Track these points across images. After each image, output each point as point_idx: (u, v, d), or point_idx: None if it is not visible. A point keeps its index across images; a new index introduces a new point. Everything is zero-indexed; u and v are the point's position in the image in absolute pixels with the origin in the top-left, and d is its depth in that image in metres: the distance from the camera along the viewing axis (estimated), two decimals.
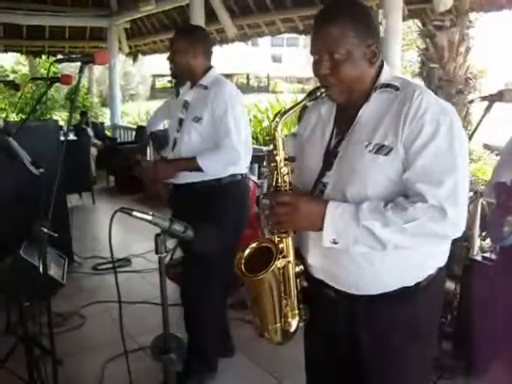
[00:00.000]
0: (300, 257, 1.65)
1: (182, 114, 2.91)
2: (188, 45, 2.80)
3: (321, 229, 1.45)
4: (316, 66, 1.52)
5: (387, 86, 1.53)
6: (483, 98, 2.42)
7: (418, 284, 1.56)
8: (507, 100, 2.38)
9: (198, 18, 6.75)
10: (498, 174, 2.73)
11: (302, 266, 1.64)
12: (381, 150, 1.46)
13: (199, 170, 2.71)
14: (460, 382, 2.97)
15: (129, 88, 27.77)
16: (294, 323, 1.65)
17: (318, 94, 1.53)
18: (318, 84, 1.56)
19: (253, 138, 10.43)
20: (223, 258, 2.76)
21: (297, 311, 1.65)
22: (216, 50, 9.19)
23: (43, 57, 11.03)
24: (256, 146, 8.32)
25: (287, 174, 1.52)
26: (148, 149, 3.10)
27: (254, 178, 4.62)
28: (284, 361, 3.18)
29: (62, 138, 7.78)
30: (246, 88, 36.62)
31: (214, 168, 2.75)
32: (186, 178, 2.83)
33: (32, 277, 3.45)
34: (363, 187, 1.47)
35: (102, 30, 10.07)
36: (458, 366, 3.03)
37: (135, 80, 29.10)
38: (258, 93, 27.73)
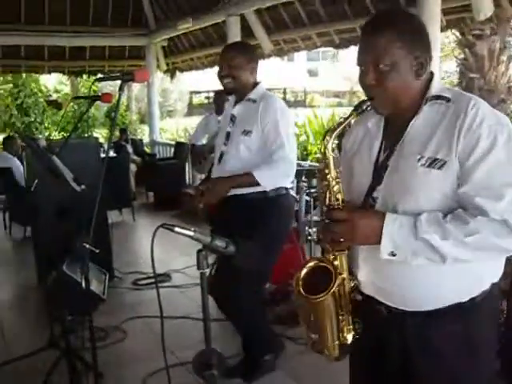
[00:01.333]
0: (351, 272, 1.63)
1: (229, 127, 2.96)
2: (248, 61, 2.90)
3: (378, 242, 1.42)
4: (362, 77, 1.51)
5: (438, 97, 1.50)
6: None
7: (472, 299, 1.50)
8: None
9: (234, 35, 6.83)
10: None
11: (355, 281, 1.62)
12: (434, 163, 1.42)
13: (256, 184, 2.74)
14: None
15: (166, 105, 28.18)
16: (349, 337, 1.63)
17: (365, 107, 1.50)
18: (362, 97, 1.55)
19: None
20: (263, 271, 2.78)
21: (351, 326, 1.63)
22: None
23: (84, 76, 11.31)
24: None
25: (339, 192, 1.51)
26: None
27: (293, 192, 4.60)
28: (324, 379, 3.13)
29: (103, 155, 7.97)
30: None
31: (271, 181, 2.79)
32: (234, 190, 2.83)
33: (74, 292, 3.50)
34: (416, 202, 1.44)
35: (141, 48, 10.27)
36: None
37: (173, 97, 29.52)
38: (295, 107, 27.73)
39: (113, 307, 4.33)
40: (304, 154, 10.21)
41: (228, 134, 2.95)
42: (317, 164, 6.45)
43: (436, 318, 1.50)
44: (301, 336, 3.48)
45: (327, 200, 1.51)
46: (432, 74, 1.54)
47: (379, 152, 1.59)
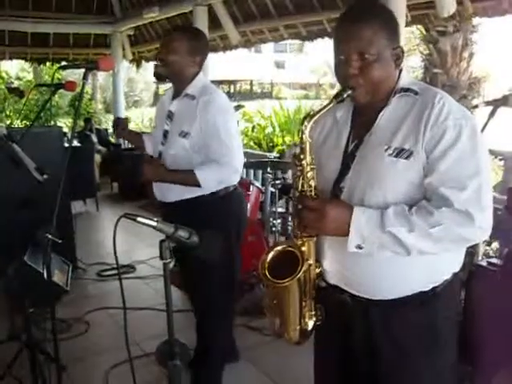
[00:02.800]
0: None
1: (166, 125, 2.73)
2: (190, 50, 2.61)
3: (346, 234, 1.44)
4: (343, 67, 1.51)
5: (406, 90, 1.54)
6: (488, 103, 2.42)
7: (434, 289, 1.55)
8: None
9: (202, 25, 6.77)
10: (506, 180, 2.75)
11: (321, 268, 1.65)
12: (401, 153, 1.46)
13: (195, 184, 2.55)
14: None
15: (132, 94, 27.85)
16: (310, 323, 1.66)
17: (345, 95, 1.51)
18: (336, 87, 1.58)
19: (256, 144, 10.45)
20: (226, 268, 2.72)
21: (314, 312, 1.66)
22: (219, 56, 9.21)
23: (47, 64, 11.06)
24: (259, 153, 8.36)
25: (312, 178, 1.52)
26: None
27: (258, 184, 4.63)
28: (289, 368, 3.17)
29: (67, 145, 7.83)
30: (249, 94, 36.70)
31: (211, 184, 2.60)
32: (178, 195, 2.66)
33: (36, 283, 3.45)
34: (382, 192, 1.48)
35: (106, 36, 10.12)
36: (462, 373, 3.01)
37: (139, 87, 29.19)
38: (262, 99, 27.74)
39: (76, 298, 4.29)
40: (270, 146, 10.24)
41: (166, 133, 2.72)
42: (278, 156, 6.51)
43: (399, 307, 1.55)
44: (265, 327, 3.53)
45: (300, 186, 1.52)
46: (402, 67, 1.58)
47: (347, 142, 1.61)
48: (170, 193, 2.70)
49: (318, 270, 1.63)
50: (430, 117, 1.44)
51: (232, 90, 37.89)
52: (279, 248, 1.62)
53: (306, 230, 1.53)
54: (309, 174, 1.52)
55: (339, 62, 1.53)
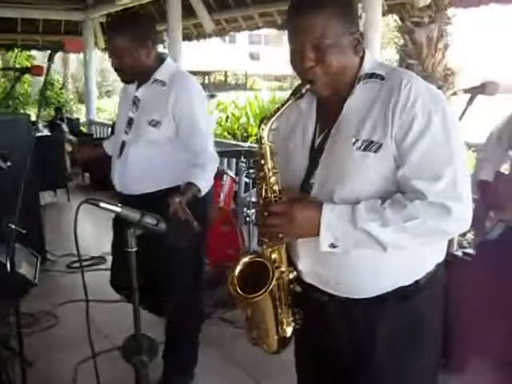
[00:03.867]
0: (291, 262, 1.57)
1: (131, 112, 2.52)
2: (136, 45, 2.37)
3: (318, 234, 1.36)
4: (298, 59, 1.41)
5: (371, 75, 1.44)
6: (466, 91, 2.39)
7: (416, 282, 1.48)
8: (489, 92, 2.36)
9: (175, 13, 6.67)
10: (479, 172, 2.73)
11: (295, 272, 1.56)
12: (370, 146, 1.37)
13: (198, 192, 2.38)
14: (439, 379, 2.94)
15: (105, 84, 27.43)
16: (289, 330, 1.58)
17: (304, 91, 1.42)
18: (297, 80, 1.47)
19: (230, 134, 10.37)
20: (194, 256, 2.66)
21: (291, 318, 1.58)
22: (194, 46, 9.05)
23: (16, 50, 10.77)
24: (234, 142, 8.27)
25: (276, 183, 1.44)
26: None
27: (232, 173, 4.55)
28: (263, 361, 3.11)
29: (37, 134, 7.64)
30: (223, 85, 36.53)
31: (208, 184, 2.46)
32: (143, 187, 2.49)
33: (0, 276, 3.33)
34: (353, 188, 1.39)
35: (78, 23, 9.87)
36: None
37: (112, 76, 28.74)
38: (236, 90, 27.62)
39: (45, 291, 4.16)
40: (244, 136, 10.16)
41: (130, 120, 2.51)
42: (256, 145, 6.42)
43: (380, 304, 1.47)
44: (239, 319, 3.47)
45: (263, 192, 1.44)
46: (364, 51, 1.48)
47: (314, 135, 1.52)
48: (134, 185, 2.53)
49: (291, 276, 1.55)
50: (397, 104, 1.33)
51: (206, 81, 37.62)
52: (246, 260, 1.53)
53: (274, 237, 1.44)
54: (272, 179, 1.43)
55: (294, 54, 1.43)
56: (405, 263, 1.44)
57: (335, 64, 1.39)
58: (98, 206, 1.29)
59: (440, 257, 1.54)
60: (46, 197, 6.75)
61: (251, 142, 8.60)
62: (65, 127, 9.16)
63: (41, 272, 4.29)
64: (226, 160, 6.31)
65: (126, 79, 2.51)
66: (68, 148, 7.07)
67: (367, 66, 1.46)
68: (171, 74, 2.47)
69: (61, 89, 15.46)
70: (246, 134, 10.27)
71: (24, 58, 14.40)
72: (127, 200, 2.47)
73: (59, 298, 4.07)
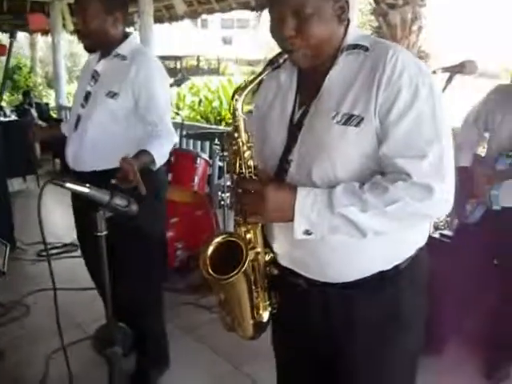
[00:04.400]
0: (267, 243, 1.50)
1: (89, 86, 2.47)
2: (105, 11, 2.34)
3: (292, 219, 1.28)
4: (278, 28, 1.33)
5: (355, 46, 1.36)
6: (445, 69, 2.35)
7: (396, 267, 1.41)
8: (468, 72, 2.33)
9: None
10: (457, 158, 2.71)
11: (272, 254, 1.49)
12: (350, 120, 1.29)
13: (151, 162, 2.31)
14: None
15: (76, 69, 26.87)
16: (265, 315, 1.52)
17: (281, 60, 1.34)
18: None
19: (203, 118, 10.25)
20: (159, 239, 2.62)
21: (268, 302, 1.51)
22: (165, 30, 8.86)
23: None
24: (206, 125, 8.16)
25: (251, 158, 1.36)
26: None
27: (205, 156, 4.46)
28: (239, 346, 3.06)
29: (3, 119, 7.43)
30: (196, 70, 36.16)
31: (163, 157, 2.40)
32: (94, 164, 2.39)
33: None
34: (332, 165, 1.31)
35: (45, 4, 9.52)
36: None
37: (82, 61, 28.18)
38: (209, 75, 27.33)
39: (15, 280, 4.07)
40: (217, 120, 10.04)
41: (88, 94, 2.46)
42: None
43: (358, 289, 1.41)
44: (214, 304, 3.42)
45: (238, 168, 1.36)
46: (348, 21, 1.40)
47: (294, 109, 1.44)
48: (88, 160, 2.44)
49: (267, 258, 1.48)
50: (383, 76, 1.25)
51: (178, 66, 37.17)
52: (219, 239, 1.44)
53: (246, 216, 1.35)
54: (246, 154, 1.35)
55: (274, 22, 1.35)
56: (384, 247, 1.37)
57: (316, 34, 1.31)
58: (63, 186, 1.19)
59: (421, 240, 1.48)
60: (14, 184, 6.58)
61: (224, 126, 8.51)
62: (33, 112, 8.92)
63: (10, 261, 4.20)
64: (199, 143, 6.21)
65: (87, 45, 2.45)
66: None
67: (351, 37, 1.38)
68: (132, 50, 2.45)
69: (29, 73, 15.06)
70: (219, 118, 10.14)
71: None
72: (80, 178, 2.42)
73: (29, 286, 3.96)
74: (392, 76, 1.26)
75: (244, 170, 1.35)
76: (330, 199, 1.25)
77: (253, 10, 6.77)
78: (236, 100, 1.32)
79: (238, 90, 1.32)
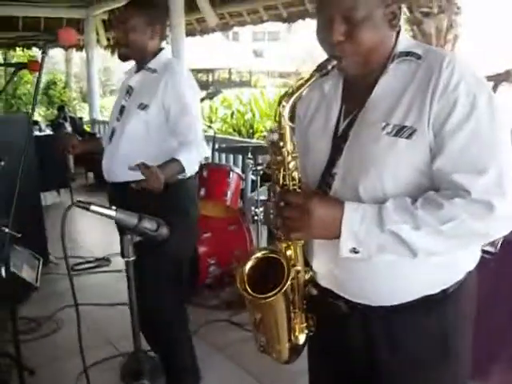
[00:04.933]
0: (307, 261, 1.41)
1: (124, 100, 2.54)
2: (146, 23, 2.40)
3: (338, 236, 1.19)
4: (326, 33, 1.25)
5: (407, 54, 1.27)
6: (490, 78, 2.23)
7: (444, 291, 1.30)
8: None
9: (178, 7, 6.50)
10: None
11: (311, 273, 1.40)
12: (401, 132, 1.20)
13: (181, 171, 2.32)
14: None
15: (109, 84, 27.33)
16: (302, 337, 1.42)
17: (330, 67, 1.25)
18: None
19: (235, 131, 10.22)
20: (179, 263, 2.54)
21: (305, 324, 1.42)
22: (197, 43, 8.89)
23: (17, 49, 10.65)
24: (239, 138, 8.12)
25: (296, 169, 1.26)
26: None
27: (238, 170, 4.39)
28: (273, 367, 2.97)
29: (38, 133, 7.53)
30: (227, 83, 36.37)
31: (192, 166, 2.41)
32: (127, 176, 2.30)
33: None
34: (380, 179, 1.22)
35: (79, 21, 9.69)
36: None
37: (116, 75, 28.65)
38: (240, 87, 27.43)
39: (47, 295, 4.05)
40: (250, 132, 10.00)
41: (122, 108, 2.52)
42: (263, 142, 6.25)
43: (403, 313, 1.30)
44: (247, 322, 3.33)
45: (281, 179, 1.26)
46: (400, 27, 1.31)
47: (338, 120, 1.36)
48: (120, 171, 2.42)
49: (307, 276, 1.39)
50: (437, 86, 1.16)
51: (210, 79, 37.47)
52: (259, 255, 1.36)
53: (289, 231, 1.25)
54: (291, 165, 1.25)
55: (322, 27, 1.28)
56: (433, 269, 1.27)
57: (367, 39, 1.23)
58: (88, 209, 1.12)
59: (472, 263, 1.36)
60: (48, 197, 6.63)
61: (257, 139, 8.45)
62: (68, 126, 9.03)
63: (42, 275, 4.19)
64: (231, 157, 6.16)
65: (123, 53, 2.50)
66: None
67: (403, 44, 1.29)
68: (163, 63, 2.48)
69: (64, 88, 15.32)
70: (251, 131, 10.10)
71: (26, 57, 14.24)
72: (114, 189, 2.56)
73: (61, 301, 3.93)
74: (448, 85, 1.17)
75: (288, 182, 1.26)
76: (379, 215, 1.17)
77: (284, 21, 6.71)
78: (283, 106, 1.23)
79: (285, 96, 1.23)
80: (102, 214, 1.15)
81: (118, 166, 2.45)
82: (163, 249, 2.27)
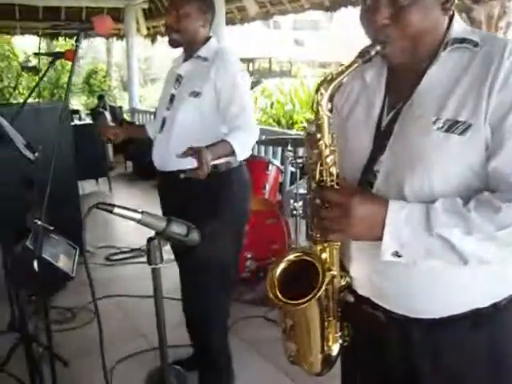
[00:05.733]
0: (344, 266, 1.29)
1: (174, 89, 2.52)
2: (200, 10, 2.41)
3: (380, 238, 1.07)
4: (370, 15, 1.13)
5: (462, 41, 1.13)
6: None
7: (494, 305, 1.17)
8: None
9: None
10: None
11: (347, 279, 1.28)
12: (454, 127, 1.07)
13: (231, 154, 2.26)
14: None
15: (150, 72, 27.54)
16: (335, 348, 1.30)
17: (373, 53, 1.12)
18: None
19: (275, 121, 10.10)
20: (227, 259, 2.46)
21: (339, 334, 1.30)
22: (237, 32, 8.81)
23: (60, 39, 10.76)
24: (278, 129, 8.00)
25: (334, 164, 1.14)
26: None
27: (277, 163, 4.28)
28: None
29: (78, 122, 7.59)
30: (268, 72, 36.20)
31: (245, 150, 2.33)
32: (180, 164, 2.24)
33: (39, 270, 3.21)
34: (428, 178, 1.09)
35: (120, 10, 9.74)
36: None
37: (156, 64, 28.83)
38: (281, 77, 27.22)
39: (83, 285, 4.02)
40: (289, 123, 9.85)
41: (172, 97, 2.51)
42: (303, 133, 6.10)
43: (448, 328, 1.18)
44: (279, 323, 3.23)
45: (318, 174, 1.14)
46: (453, 12, 1.17)
47: (381, 113, 1.23)
48: (171, 162, 2.38)
49: (343, 282, 1.26)
50: (497, 76, 1.04)
51: (250, 68, 37.35)
52: (291, 257, 1.24)
53: (326, 232, 1.14)
54: (329, 159, 1.12)
55: (366, 9, 1.15)
56: (483, 280, 1.14)
57: (415, 23, 1.10)
58: (111, 212, 1.03)
59: None
60: (86, 186, 6.67)
61: (297, 130, 8.30)
62: (107, 115, 9.09)
63: (78, 264, 4.18)
64: (270, 149, 6.05)
65: (174, 39, 2.46)
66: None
67: (457, 30, 1.15)
68: (213, 51, 2.45)
69: (104, 77, 15.49)
70: (291, 122, 9.95)
71: (69, 47, 14.39)
72: (165, 179, 2.53)
73: (96, 291, 3.91)
74: (510, 76, 1.04)
75: (325, 178, 1.13)
76: (427, 216, 1.04)
77: (326, 10, 6.53)
78: (321, 94, 1.10)
79: (324, 82, 1.11)
80: (126, 217, 1.06)
81: (170, 155, 2.36)
82: (215, 241, 2.23)
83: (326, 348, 1.30)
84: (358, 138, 1.26)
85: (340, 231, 1.10)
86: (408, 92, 1.17)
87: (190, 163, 2.08)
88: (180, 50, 2.58)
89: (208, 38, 2.50)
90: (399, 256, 1.07)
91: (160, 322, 1.11)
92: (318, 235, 1.18)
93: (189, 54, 2.52)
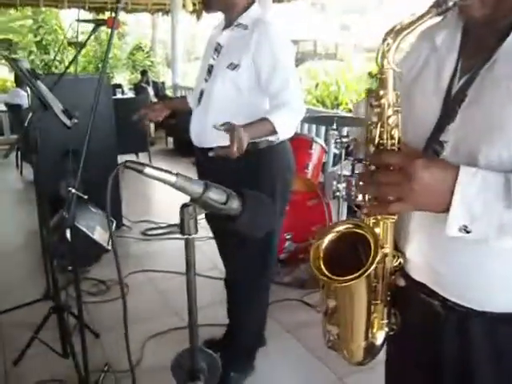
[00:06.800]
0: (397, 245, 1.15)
1: (212, 59, 2.35)
2: None
3: (446, 209, 0.92)
4: None
5: None
6: None
7: None
8: None
9: None
10: None
11: (401, 259, 1.13)
12: None
13: (272, 133, 2.12)
14: None
15: (194, 51, 27.56)
16: (380, 336, 1.17)
17: (451, 3, 0.95)
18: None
19: (319, 102, 9.92)
20: (268, 237, 2.36)
21: (386, 321, 1.17)
22: (284, 11, 8.63)
23: (106, 13, 10.76)
24: (322, 109, 7.82)
25: (396, 126, 0.99)
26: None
27: (321, 141, 4.12)
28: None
29: (120, 96, 7.58)
30: (312, 55, 35.75)
31: (287, 128, 2.18)
32: (217, 140, 2.13)
33: (76, 241, 3.20)
34: (508, 148, 0.93)
35: None
36: None
37: (201, 44, 28.82)
38: (326, 60, 26.79)
39: (119, 258, 4.02)
40: (334, 104, 9.66)
41: (210, 68, 2.34)
42: (348, 114, 5.90)
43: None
44: (320, 303, 3.12)
45: (377, 137, 0.99)
46: None
47: (453, 77, 1.08)
48: (208, 138, 2.27)
49: (396, 263, 1.12)
50: None
51: (295, 50, 37.00)
52: (341, 228, 1.09)
53: (384, 202, 0.97)
54: (391, 120, 0.98)
55: None
56: None
57: None
58: (141, 172, 0.91)
59: None
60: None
61: (342, 111, 8.12)
62: (150, 90, 9.08)
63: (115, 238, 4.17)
64: (314, 127, 5.87)
65: (210, 2, 2.30)
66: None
67: None
68: (254, 19, 2.25)
69: (148, 52, 15.54)
70: (336, 102, 9.75)
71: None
72: (202, 155, 2.34)
73: (131, 266, 3.90)
74: None
75: (386, 141, 0.99)
76: (506, 187, 0.89)
77: None
78: (387, 45, 0.96)
79: (392, 32, 0.96)
80: (158, 179, 0.94)
81: (207, 130, 2.26)
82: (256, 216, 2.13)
83: (370, 335, 1.17)
84: (425, 104, 1.11)
85: (400, 200, 0.94)
86: (487, 54, 1.01)
87: (227, 139, 1.94)
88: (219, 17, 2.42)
89: (250, 4, 2.30)
90: (468, 232, 0.92)
91: (191, 298, 1.00)
92: (373, 207, 1.03)
93: (228, 21, 2.34)
